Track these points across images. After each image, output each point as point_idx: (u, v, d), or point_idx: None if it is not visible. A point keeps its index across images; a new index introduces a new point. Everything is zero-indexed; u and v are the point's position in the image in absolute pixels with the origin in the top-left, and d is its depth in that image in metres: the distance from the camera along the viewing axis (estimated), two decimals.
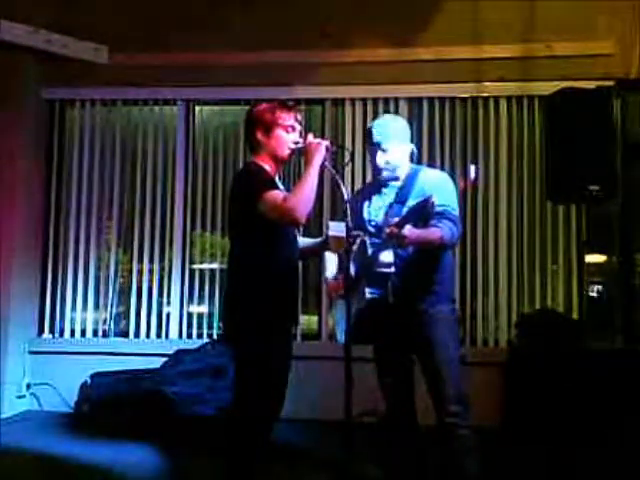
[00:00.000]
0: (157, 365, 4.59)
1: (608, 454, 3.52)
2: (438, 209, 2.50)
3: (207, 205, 5.18)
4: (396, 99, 4.96)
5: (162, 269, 5.18)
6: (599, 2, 4.65)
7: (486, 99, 4.92)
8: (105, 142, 5.26)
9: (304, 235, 2.92)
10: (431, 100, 4.97)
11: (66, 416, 4.72)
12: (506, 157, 4.90)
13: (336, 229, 2.45)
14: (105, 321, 5.17)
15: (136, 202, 5.20)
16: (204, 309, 5.14)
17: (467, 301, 4.84)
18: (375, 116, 4.62)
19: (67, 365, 4.90)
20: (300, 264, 2.79)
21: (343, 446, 2.28)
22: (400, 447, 2.79)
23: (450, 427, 2.61)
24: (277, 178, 2.62)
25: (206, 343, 4.76)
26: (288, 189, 2.57)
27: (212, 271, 5.17)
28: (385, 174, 2.78)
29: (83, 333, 5.15)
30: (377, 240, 2.60)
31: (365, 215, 2.81)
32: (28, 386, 4.93)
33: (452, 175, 3.37)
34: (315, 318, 4.97)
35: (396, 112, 4.84)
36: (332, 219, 3.03)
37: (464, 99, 4.94)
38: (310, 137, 2.53)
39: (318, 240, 2.80)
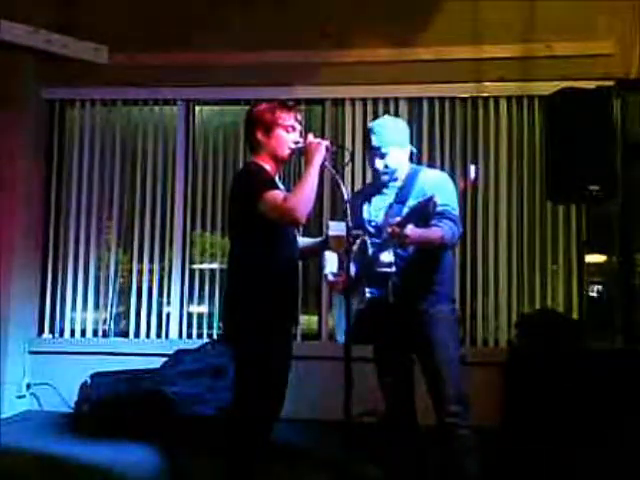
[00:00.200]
0: (157, 365, 4.59)
1: (608, 454, 3.52)
2: (438, 209, 2.51)
3: (207, 205, 5.18)
4: (396, 99, 4.96)
5: (162, 269, 5.18)
6: (599, 2, 4.64)
7: (486, 99, 4.92)
8: (105, 142, 5.26)
9: (304, 235, 2.93)
10: (431, 100, 4.97)
11: (66, 416, 4.72)
12: (506, 157, 4.89)
13: (336, 228, 2.45)
14: (105, 321, 5.17)
15: (136, 202, 5.20)
16: (204, 309, 5.14)
17: (467, 301, 4.84)
18: (375, 116, 4.62)
19: (67, 365, 4.90)
20: (300, 264, 2.79)
21: (343, 446, 2.28)
22: (400, 447, 2.79)
23: (450, 427, 2.61)
24: (277, 178, 2.62)
25: (206, 343, 4.76)
26: (288, 189, 2.57)
27: (212, 271, 5.16)
28: (384, 178, 2.79)
29: (83, 333, 5.15)
30: (377, 240, 2.61)
31: (365, 215, 2.82)
32: (28, 386, 4.93)
33: (452, 175, 3.38)
34: (315, 318, 4.97)
35: (396, 112, 4.85)
36: (332, 219, 3.03)
37: (464, 99, 4.94)
38: (310, 137, 2.53)
39: (318, 240, 2.80)
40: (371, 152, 2.78)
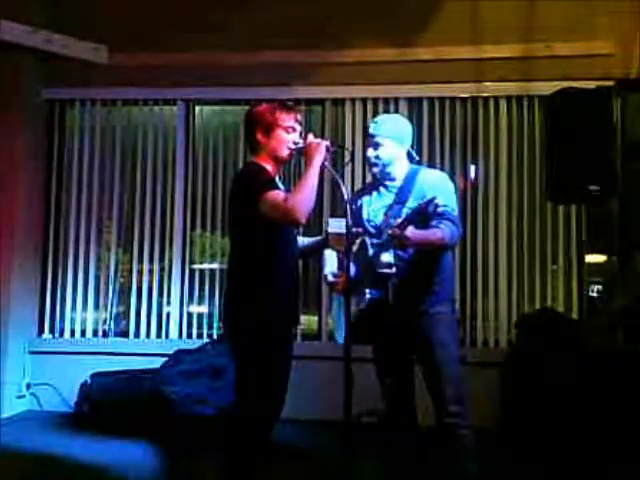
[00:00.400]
0: (157, 365, 4.59)
1: (608, 454, 3.52)
2: (438, 210, 2.51)
3: (207, 205, 5.18)
4: (396, 99, 4.96)
5: (162, 269, 5.18)
6: (599, 2, 4.64)
7: (486, 99, 4.92)
8: (105, 142, 5.26)
9: (304, 235, 2.92)
10: (431, 100, 4.97)
11: (66, 416, 4.72)
12: (506, 157, 4.90)
13: (336, 226, 2.44)
14: (105, 321, 5.17)
15: (136, 202, 5.20)
16: (204, 309, 5.14)
17: (467, 301, 4.84)
18: (375, 116, 4.59)
19: (67, 365, 4.90)
20: (300, 264, 2.79)
21: (343, 446, 2.27)
22: (400, 447, 2.79)
23: (450, 427, 2.61)
24: (277, 178, 2.62)
25: (206, 343, 4.76)
26: (288, 189, 2.57)
27: (212, 271, 5.17)
28: (375, 169, 2.78)
29: (83, 333, 5.15)
30: (377, 240, 2.60)
31: (365, 215, 2.81)
32: (28, 386, 4.93)
33: (452, 175, 3.38)
34: (315, 318, 4.97)
35: (396, 112, 4.82)
36: (332, 216, 3.02)
37: (464, 99, 4.94)
38: (310, 137, 2.52)
39: (318, 239, 2.81)
40: (367, 141, 2.79)
